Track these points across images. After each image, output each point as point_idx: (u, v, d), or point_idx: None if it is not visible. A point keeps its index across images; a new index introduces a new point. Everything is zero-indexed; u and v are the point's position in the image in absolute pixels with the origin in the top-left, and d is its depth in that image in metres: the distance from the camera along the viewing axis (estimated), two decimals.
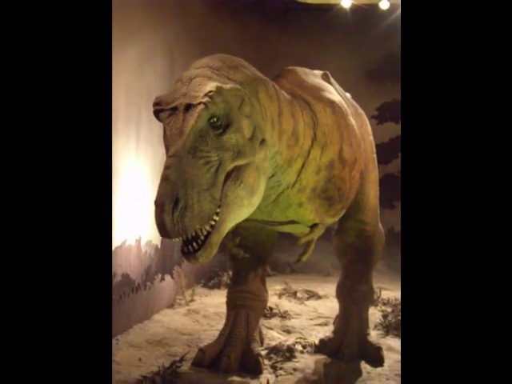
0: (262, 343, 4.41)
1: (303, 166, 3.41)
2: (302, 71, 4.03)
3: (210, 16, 6.89)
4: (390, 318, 5.09)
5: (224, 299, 5.88)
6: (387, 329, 4.97)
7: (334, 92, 3.99)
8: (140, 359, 4.16)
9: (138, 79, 5.11)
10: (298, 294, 6.30)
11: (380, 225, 4.53)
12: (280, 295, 6.28)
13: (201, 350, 4.09)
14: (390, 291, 6.33)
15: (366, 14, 7.92)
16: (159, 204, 2.51)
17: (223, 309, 5.47)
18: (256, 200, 2.94)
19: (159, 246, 5.65)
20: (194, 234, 2.61)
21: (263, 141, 2.95)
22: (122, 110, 4.79)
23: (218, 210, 2.68)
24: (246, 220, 3.94)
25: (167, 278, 5.77)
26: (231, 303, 4.30)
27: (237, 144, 2.77)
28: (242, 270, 4.31)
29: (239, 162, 2.78)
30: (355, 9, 7.83)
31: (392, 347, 4.57)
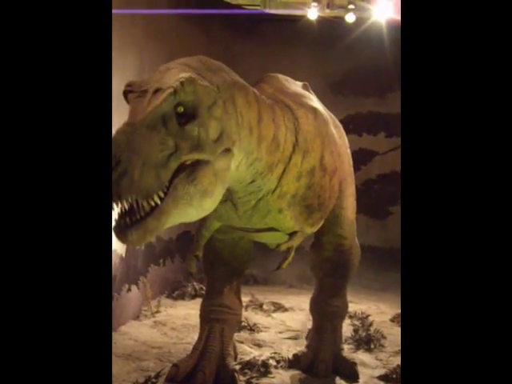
0: (235, 358, 4.34)
1: (284, 171, 3.35)
2: (284, 78, 4.02)
3: (178, 25, 6.80)
4: (360, 331, 5.07)
5: (189, 311, 5.87)
6: (358, 343, 4.95)
7: (315, 100, 4.00)
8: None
9: None
10: (265, 306, 6.24)
11: (356, 239, 4.51)
12: (246, 307, 6.21)
13: (175, 365, 4.00)
14: (355, 304, 6.32)
15: (332, 27, 7.95)
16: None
17: (190, 321, 5.43)
18: (209, 205, 2.82)
19: (124, 256, 5.52)
20: (128, 203, 2.48)
21: (228, 150, 2.85)
22: None
23: (162, 196, 2.57)
24: (223, 232, 3.91)
25: (133, 288, 5.65)
26: (205, 317, 4.21)
27: (198, 137, 2.67)
28: (216, 283, 4.24)
29: (196, 156, 2.67)
30: (321, 21, 7.85)
31: (365, 362, 4.55)
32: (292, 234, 3.63)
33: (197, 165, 2.68)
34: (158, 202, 2.56)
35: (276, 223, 3.53)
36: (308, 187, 3.53)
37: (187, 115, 2.64)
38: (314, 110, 3.74)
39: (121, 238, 2.53)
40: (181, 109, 2.62)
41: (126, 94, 2.70)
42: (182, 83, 2.58)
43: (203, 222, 3.70)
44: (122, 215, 2.52)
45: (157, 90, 2.58)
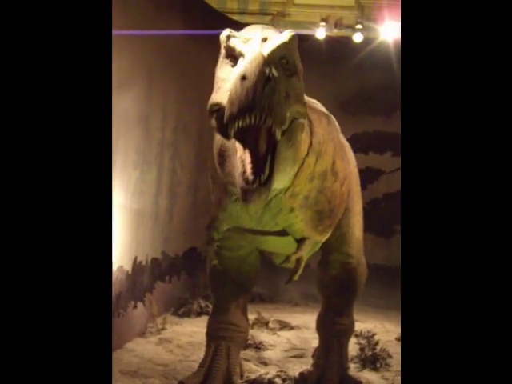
0: (241, 376, 4.32)
1: (298, 171, 3.35)
2: None
3: (187, 44, 6.85)
4: (366, 350, 5.04)
5: (195, 328, 5.85)
6: (364, 362, 4.93)
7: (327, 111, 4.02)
8: None
9: (115, 104, 5.03)
10: (270, 324, 6.22)
11: (363, 258, 4.51)
12: (252, 325, 6.18)
13: (181, 383, 3.98)
14: (361, 322, 6.28)
15: (340, 47, 8.00)
16: (252, 78, 2.56)
17: (196, 338, 5.42)
18: (289, 176, 3.15)
19: (130, 272, 5.52)
20: (269, 120, 2.65)
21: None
22: None
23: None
24: (231, 249, 3.90)
25: (139, 305, 5.64)
26: (212, 334, 4.19)
27: (299, 92, 2.96)
28: (223, 301, 4.22)
29: (300, 109, 2.93)
30: (329, 40, 7.91)
31: (371, 381, 4.53)
32: (300, 242, 3.62)
33: (291, 129, 2.89)
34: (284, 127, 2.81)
35: (286, 223, 3.53)
36: (320, 191, 3.56)
37: (289, 69, 2.89)
38: (327, 116, 3.81)
39: (248, 196, 2.74)
40: (285, 61, 2.85)
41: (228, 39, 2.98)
42: (293, 36, 2.87)
43: (212, 223, 3.68)
44: (249, 180, 2.73)
45: (264, 40, 2.84)
